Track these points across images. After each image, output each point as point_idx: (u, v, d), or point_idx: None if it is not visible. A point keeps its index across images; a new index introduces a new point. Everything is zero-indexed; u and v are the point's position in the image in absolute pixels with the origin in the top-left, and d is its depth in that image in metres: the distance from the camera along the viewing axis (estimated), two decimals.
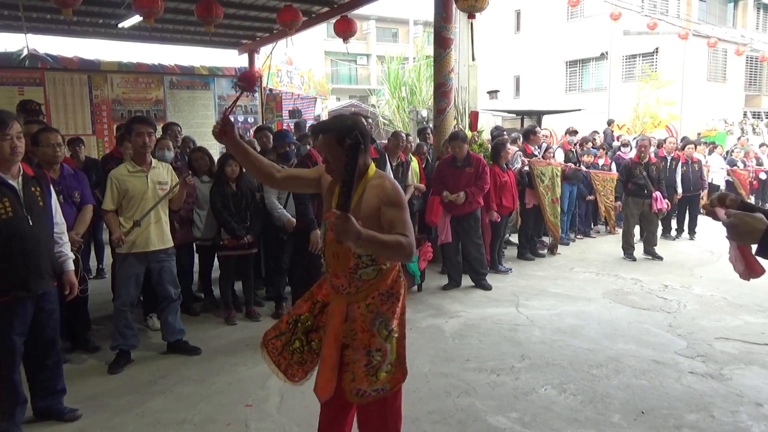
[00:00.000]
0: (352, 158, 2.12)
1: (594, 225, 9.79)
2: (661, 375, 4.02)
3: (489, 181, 6.32)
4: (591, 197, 9.25)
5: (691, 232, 9.37)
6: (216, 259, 5.52)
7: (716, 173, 11.99)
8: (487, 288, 6.21)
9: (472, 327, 5.07)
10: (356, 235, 2.11)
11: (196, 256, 5.74)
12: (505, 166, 6.93)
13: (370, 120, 6.97)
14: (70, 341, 4.52)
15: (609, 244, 8.96)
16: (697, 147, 11.09)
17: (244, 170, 5.32)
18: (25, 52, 10.09)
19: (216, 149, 8.67)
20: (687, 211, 9.44)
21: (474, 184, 6.15)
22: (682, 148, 9.86)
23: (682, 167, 9.37)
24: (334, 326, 2.51)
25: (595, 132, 11.36)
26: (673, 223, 9.53)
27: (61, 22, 10.10)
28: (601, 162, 9.51)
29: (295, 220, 5.21)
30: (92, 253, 6.32)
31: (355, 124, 2.44)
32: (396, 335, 2.48)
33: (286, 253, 5.45)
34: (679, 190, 9.11)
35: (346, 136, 2.32)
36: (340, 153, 2.32)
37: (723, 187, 12.09)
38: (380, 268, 2.46)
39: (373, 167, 2.50)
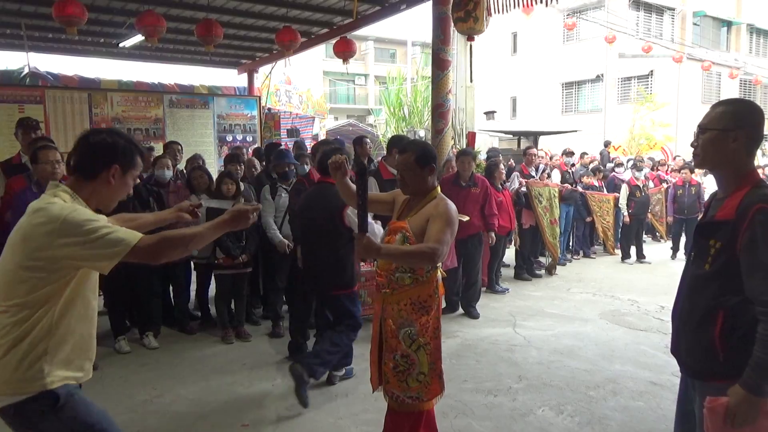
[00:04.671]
0: (361, 184, 2.32)
1: (591, 246, 9.82)
2: (658, 397, 4.02)
3: (495, 205, 6.29)
4: (589, 219, 9.29)
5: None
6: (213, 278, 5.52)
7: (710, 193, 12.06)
8: (475, 316, 6.00)
9: (469, 347, 5.06)
10: (376, 251, 2.40)
11: (194, 274, 5.73)
12: (500, 186, 6.96)
13: (367, 139, 7.01)
14: None
15: (606, 264, 8.99)
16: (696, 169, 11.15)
17: (241, 189, 5.34)
18: (26, 70, 10.16)
19: (215, 168, 8.71)
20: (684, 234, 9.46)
21: (483, 210, 6.11)
22: (678, 171, 9.92)
23: (678, 190, 9.41)
24: (374, 323, 2.85)
25: (585, 153, 11.48)
26: (654, 249, 9.53)
27: (63, 41, 10.21)
28: (596, 183, 9.57)
29: (286, 242, 5.23)
30: None
31: (429, 147, 2.87)
32: (426, 347, 2.68)
33: (282, 273, 5.46)
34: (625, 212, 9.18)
35: (424, 156, 2.71)
36: (417, 169, 2.70)
37: None
38: (416, 278, 2.69)
39: (438, 190, 2.79)
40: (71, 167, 2.06)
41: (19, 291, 1.86)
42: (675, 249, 9.50)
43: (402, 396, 2.67)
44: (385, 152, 6.20)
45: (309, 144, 10.14)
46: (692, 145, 2.03)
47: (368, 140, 7.00)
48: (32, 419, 1.89)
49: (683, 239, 9.39)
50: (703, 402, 1.86)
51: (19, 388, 1.86)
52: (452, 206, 2.70)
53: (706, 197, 11.96)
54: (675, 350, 2.07)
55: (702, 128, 1.98)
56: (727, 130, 1.91)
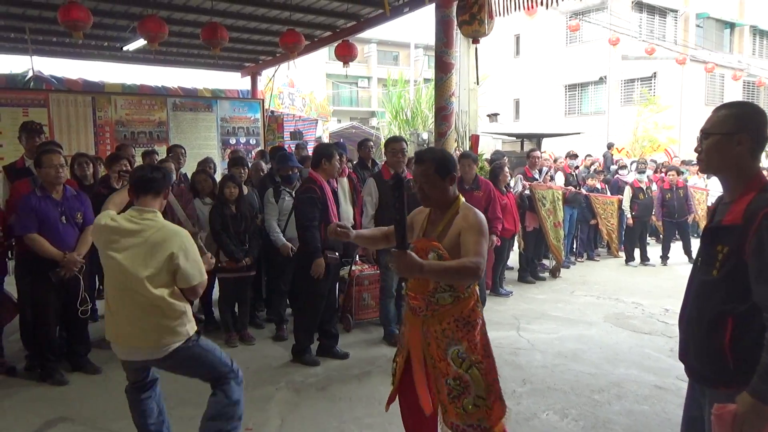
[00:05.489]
0: (398, 196, 2.15)
1: (595, 248, 9.80)
2: (663, 401, 4.00)
3: (499, 208, 6.28)
4: (594, 221, 9.27)
5: (688, 255, 9.24)
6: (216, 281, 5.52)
7: (716, 197, 12.02)
8: None
9: None
10: (418, 268, 2.20)
11: None
12: (504, 188, 6.95)
13: (370, 143, 7.01)
14: (69, 362, 4.50)
15: (610, 267, 8.96)
16: (699, 171, 11.08)
17: (244, 192, 5.35)
18: (31, 74, 10.20)
19: (219, 171, 8.72)
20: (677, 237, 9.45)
21: (487, 213, 6.06)
22: (665, 174, 9.83)
23: (666, 193, 9.28)
24: (414, 349, 2.60)
25: (589, 156, 11.48)
26: (658, 251, 9.45)
27: (67, 45, 10.25)
28: (599, 186, 9.55)
29: (289, 245, 5.23)
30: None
31: (448, 155, 2.68)
32: (479, 365, 2.48)
33: (286, 276, 5.46)
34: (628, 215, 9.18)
35: (443, 166, 2.55)
36: (437, 180, 2.54)
37: None
38: (458, 295, 2.53)
39: (461, 199, 2.63)
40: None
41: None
42: (665, 255, 9.30)
43: (463, 426, 2.45)
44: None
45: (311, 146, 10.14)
46: (696, 150, 2.00)
47: (371, 143, 7.01)
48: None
49: (683, 245, 9.38)
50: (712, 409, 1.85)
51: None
52: (481, 214, 2.56)
53: (710, 202, 11.98)
54: (683, 356, 2.04)
55: (705, 133, 1.95)
56: (730, 134, 1.88)
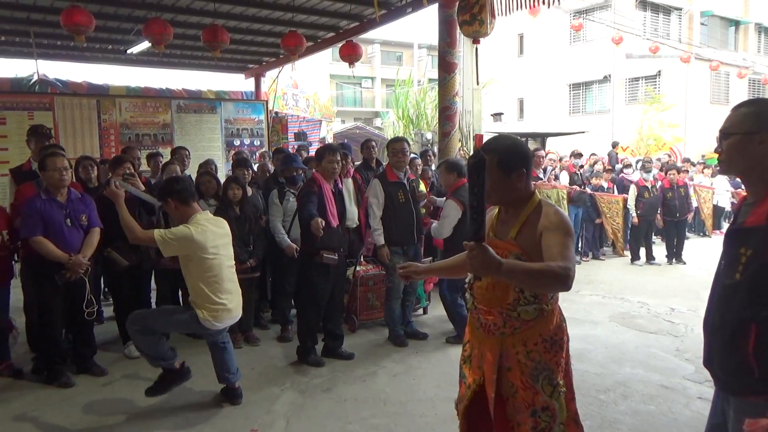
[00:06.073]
0: (477, 180, 1.81)
1: (600, 247, 9.77)
2: (669, 400, 3.99)
3: None
4: (599, 220, 9.24)
5: (678, 256, 9.14)
6: None
7: (721, 195, 11.99)
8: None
9: None
10: (496, 266, 1.86)
11: None
12: None
13: (373, 143, 7.01)
14: (75, 365, 4.52)
15: (615, 266, 8.94)
16: (704, 170, 11.05)
17: (248, 194, 5.36)
18: (36, 78, 10.24)
19: (222, 172, 8.74)
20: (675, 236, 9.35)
21: None
22: (665, 173, 9.72)
23: (667, 192, 9.19)
24: (488, 374, 2.24)
25: (593, 155, 11.45)
26: (663, 250, 9.39)
27: (71, 48, 10.29)
28: (605, 185, 9.52)
29: (294, 246, 5.24)
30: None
31: (517, 145, 2.26)
32: (563, 390, 2.20)
33: (290, 277, 5.46)
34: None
35: (507, 161, 2.17)
36: (500, 176, 2.17)
37: (728, 208, 12.08)
38: (542, 308, 2.20)
39: (537, 195, 2.29)
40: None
41: None
42: (669, 256, 9.24)
43: None
44: None
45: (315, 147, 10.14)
46: (716, 150, 1.93)
47: (374, 143, 7.02)
48: None
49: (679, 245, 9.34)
50: (739, 419, 1.77)
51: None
52: (564, 213, 2.23)
53: (716, 201, 11.94)
54: (707, 363, 1.95)
55: (724, 133, 1.87)
56: (751, 133, 1.80)
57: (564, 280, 1.98)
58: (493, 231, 2.28)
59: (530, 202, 2.23)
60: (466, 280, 2.33)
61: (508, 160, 2.18)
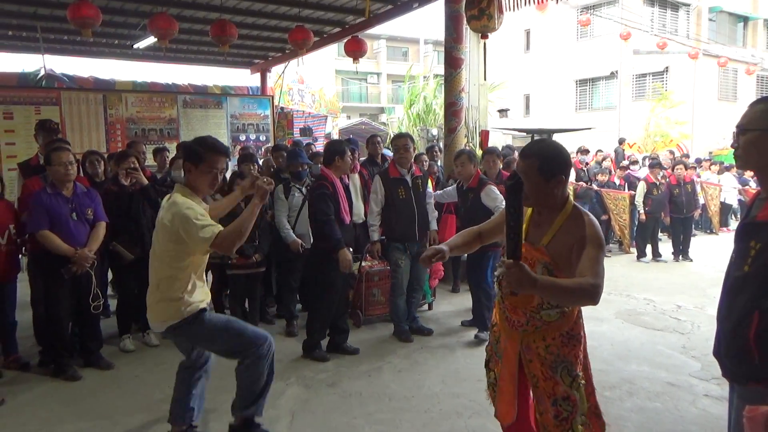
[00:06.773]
0: (514, 201, 1.89)
1: (607, 244, 9.73)
2: (675, 398, 3.97)
3: None
4: (605, 216, 9.19)
5: (684, 253, 9.09)
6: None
7: (729, 192, 11.92)
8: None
9: (483, 346, 5.03)
10: (532, 283, 1.96)
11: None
12: None
13: (379, 139, 7.01)
14: (82, 358, 4.54)
15: (622, 263, 8.90)
16: (711, 166, 10.95)
17: None
18: (42, 72, 10.28)
19: (229, 168, 8.74)
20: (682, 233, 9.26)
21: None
22: (672, 169, 9.62)
23: (674, 189, 9.10)
24: (509, 364, 2.42)
25: (600, 151, 11.40)
26: (669, 247, 9.31)
27: (78, 43, 10.32)
28: (616, 182, 9.46)
29: (299, 241, 5.25)
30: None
31: (558, 152, 2.32)
32: (583, 382, 2.31)
33: (296, 272, 5.47)
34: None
35: (548, 168, 2.23)
36: (540, 182, 2.24)
37: (736, 206, 12.02)
38: (563, 311, 2.32)
39: (571, 201, 2.36)
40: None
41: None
42: (676, 253, 9.17)
43: None
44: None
45: (321, 142, 10.15)
46: (732, 146, 1.92)
47: (379, 138, 7.02)
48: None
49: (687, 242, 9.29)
50: (741, 406, 1.77)
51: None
52: (597, 223, 2.30)
53: (723, 198, 11.85)
54: (716, 352, 1.98)
55: (742, 128, 1.86)
56: None
57: (593, 297, 2.09)
58: (525, 233, 2.29)
59: (564, 210, 2.30)
60: (496, 273, 2.40)
61: (549, 166, 2.25)
